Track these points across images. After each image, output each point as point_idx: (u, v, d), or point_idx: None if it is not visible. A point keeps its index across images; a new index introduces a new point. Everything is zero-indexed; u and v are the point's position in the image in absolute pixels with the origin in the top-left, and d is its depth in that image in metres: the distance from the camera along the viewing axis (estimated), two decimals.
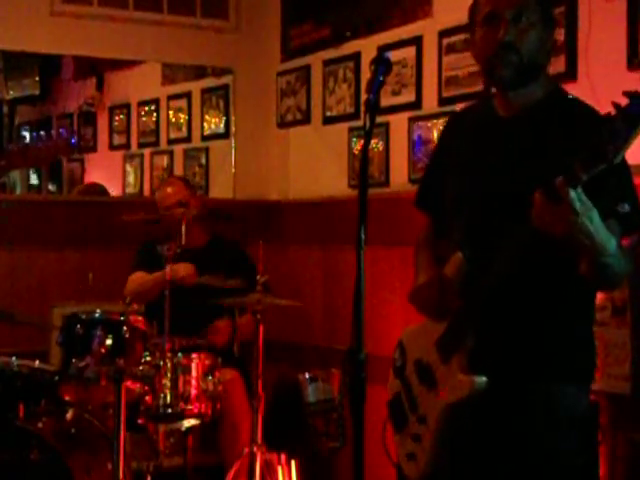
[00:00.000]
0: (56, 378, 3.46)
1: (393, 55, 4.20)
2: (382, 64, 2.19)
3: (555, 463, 2.32)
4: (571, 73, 3.68)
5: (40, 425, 3.56)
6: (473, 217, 2.42)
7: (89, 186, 5.93)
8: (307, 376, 4.31)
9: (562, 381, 2.35)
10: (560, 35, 3.71)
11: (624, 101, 2.01)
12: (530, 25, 2.35)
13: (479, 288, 2.30)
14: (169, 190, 4.59)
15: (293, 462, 4.08)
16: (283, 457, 4.02)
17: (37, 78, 5.98)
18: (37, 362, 3.68)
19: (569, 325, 2.38)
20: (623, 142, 1.98)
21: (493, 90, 2.50)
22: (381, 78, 2.20)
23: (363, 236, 2.00)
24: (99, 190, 5.83)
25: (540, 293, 2.33)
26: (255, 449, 3.88)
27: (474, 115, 2.59)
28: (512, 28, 2.33)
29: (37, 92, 6.02)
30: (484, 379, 2.29)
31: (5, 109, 5.80)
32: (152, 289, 4.20)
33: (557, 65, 3.69)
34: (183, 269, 4.23)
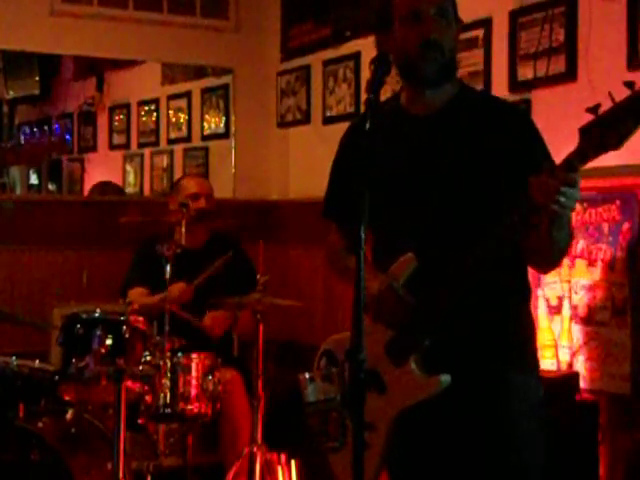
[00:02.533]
0: (56, 378, 3.45)
1: None
2: (382, 64, 2.19)
3: (516, 456, 2.33)
4: (571, 73, 3.67)
5: (40, 425, 3.55)
6: (420, 217, 2.40)
7: (104, 184, 5.94)
8: (307, 376, 4.29)
9: (518, 371, 2.38)
10: (560, 35, 3.72)
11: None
12: (448, 24, 2.38)
13: (439, 290, 2.29)
14: (202, 181, 4.61)
15: (293, 462, 4.07)
16: (283, 457, 4.01)
17: (37, 78, 5.97)
18: (37, 362, 3.68)
19: (520, 317, 2.43)
20: (631, 129, 1.98)
21: (397, 90, 2.50)
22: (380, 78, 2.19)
23: (363, 236, 1.99)
24: (114, 188, 5.85)
25: (495, 289, 2.34)
26: (255, 449, 3.88)
27: (381, 118, 2.53)
28: (436, 26, 2.34)
29: (37, 92, 6.01)
30: (449, 376, 2.29)
31: (5, 109, 5.80)
32: (150, 311, 4.10)
33: (557, 65, 3.69)
34: (177, 290, 4.15)
